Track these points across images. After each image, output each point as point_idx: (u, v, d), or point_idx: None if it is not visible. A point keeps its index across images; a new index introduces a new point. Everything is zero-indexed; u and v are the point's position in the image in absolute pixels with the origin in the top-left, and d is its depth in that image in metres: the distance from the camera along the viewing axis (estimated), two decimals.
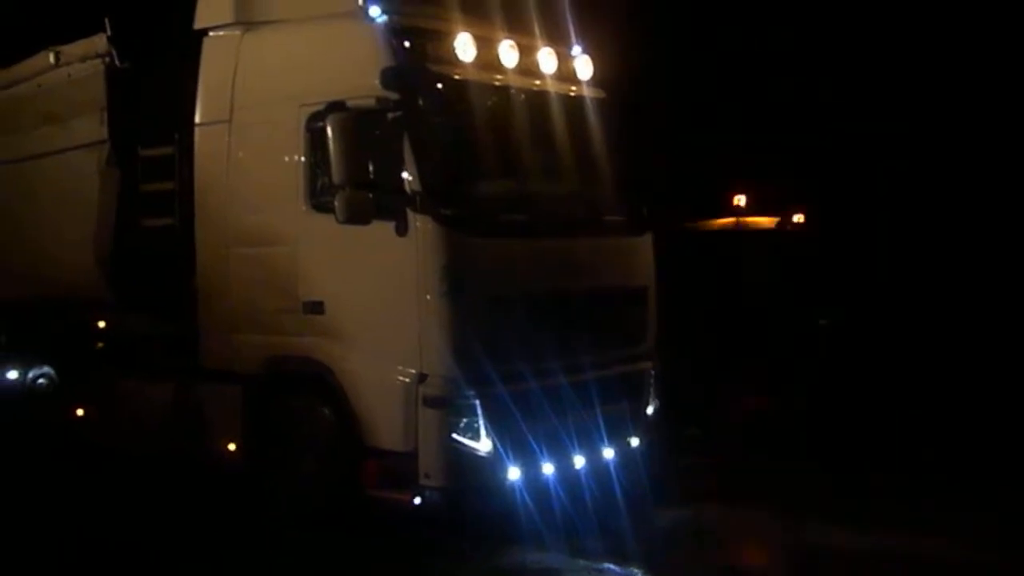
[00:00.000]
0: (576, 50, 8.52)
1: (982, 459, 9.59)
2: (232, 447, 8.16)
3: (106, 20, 9.08)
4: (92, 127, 9.19)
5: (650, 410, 8.54)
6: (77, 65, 9.45)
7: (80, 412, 9.83)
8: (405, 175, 7.17)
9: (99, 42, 9.18)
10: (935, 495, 8.64)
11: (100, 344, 9.93)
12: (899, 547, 7.53)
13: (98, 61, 9.18)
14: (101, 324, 9.85)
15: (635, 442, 8.28)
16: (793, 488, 8.91)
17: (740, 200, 21.94)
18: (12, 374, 10.64)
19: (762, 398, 12.32)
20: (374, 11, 7.39)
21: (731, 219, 21.91)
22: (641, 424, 8.38)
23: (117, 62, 9.07)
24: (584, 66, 8.51)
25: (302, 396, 7.81)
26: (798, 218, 21.72)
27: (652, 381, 8.55)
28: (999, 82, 17.00)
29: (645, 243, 8.66)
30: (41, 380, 10.57)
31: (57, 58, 9.62)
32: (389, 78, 7.22)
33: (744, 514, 8.47)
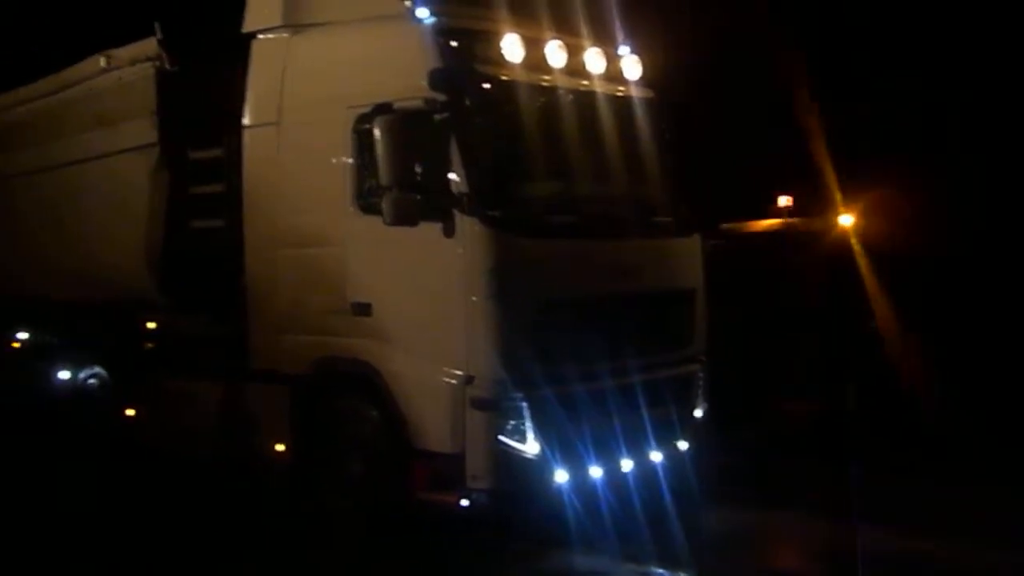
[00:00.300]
0: (624, 50, 8.46)
1: None
2: (280, 448, 8.18)
3: (156, 24, 9.15)
4: (142, 130, 9.26)
5: (699, 413, 8.46)
6: (127, 69, 9.52)
7: (130, 413, 9.92)
8: (452, 176, 7.15)
9: (149, 46, 9.24)
10: (980, 501, 8.51)
11: (149, 345, 10.03)
12: (946, 553, 7.45)
13: (148, 64, 9.24)
14: (150, 325, 9.94)
15: (683, 445, 8.20)
16: (844, 494, 8.78)
17: (786, 201, 21.71)
18: (64, 374, 10.78)
19: (812, 402, 12.18)
20: (421, 12, 7.38)
21: (778, 220, 21.70)
22: (689, 427, 8.30)
23: (167, 65, 9.13)
24: (632, 66, 8.46)
25: (349, 397, 7.82)
26: (847, 219, 21.46)
27: (701, 384, 8.47)
28: None
29: (693, 244, 8.59)
30: (92, 380, 10.70)
31: (108, 62, 9.71)
32: (437, 79, 7.21)
33: (794, 519, 8.38)
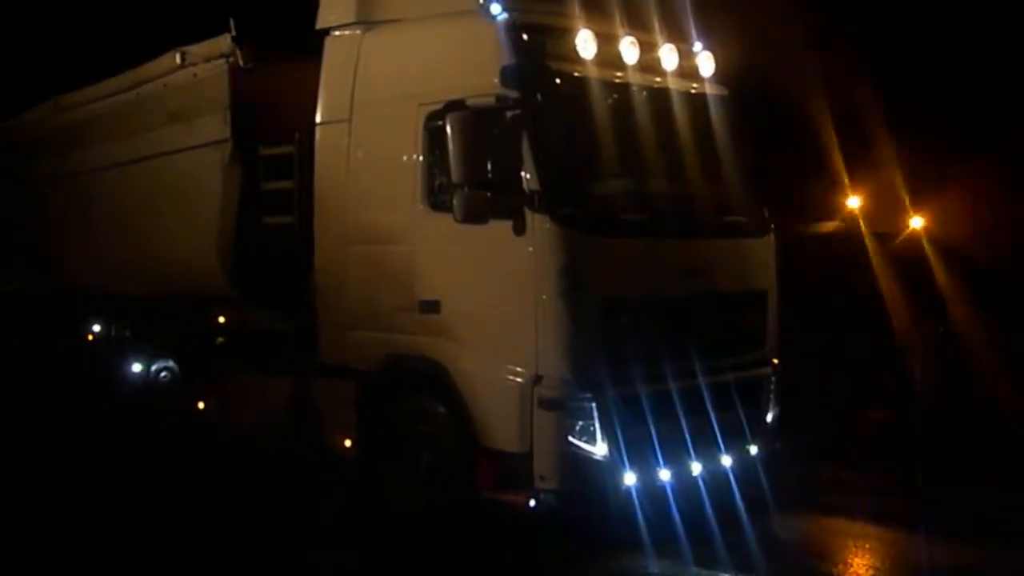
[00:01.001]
0: (697, 46, 8.34)
1: None
2: (348, 443, 8.21)
3: (231, 21, 9.23)
4: (216, 126, 9.34)
5: (770, 417, 8.31)
6: (202, 65, 9.61)
7: (200, 405, 10.04)
8: (523, 174, 7.10)
9: (223, 42, 9.32)
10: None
11: (220, 339, 10.14)
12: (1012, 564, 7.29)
13: (222, 61, 9.32)
14: (221, 319, 10.05)
15: (754, 450, 8.07)
16: (916, 502, 8.57)
17: (853, 202, 21.34)
18: (136, 366, 10.95)
19: (882, 408, 11.94)
20: (495, 8, 7.35)
21: (845, 222, 21.36)
22: (760, 431, 8.16)
23: (241, 62, 9.20)
24: (706, 62, 8.34)
25: (418, 394, 7.82)
26: (916, 222, 21.04)
27: (772, 387, 8.32)
28: None
29: (766, 245, 8.44)
30: (163, 373, 10.86)
31: (183, 58, 9.81)
32: (509, 76, 7.17)
33: (865, 528, 8.20)
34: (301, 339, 8.79)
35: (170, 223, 10.09)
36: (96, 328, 11.65)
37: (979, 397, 11.97)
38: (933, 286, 16.00)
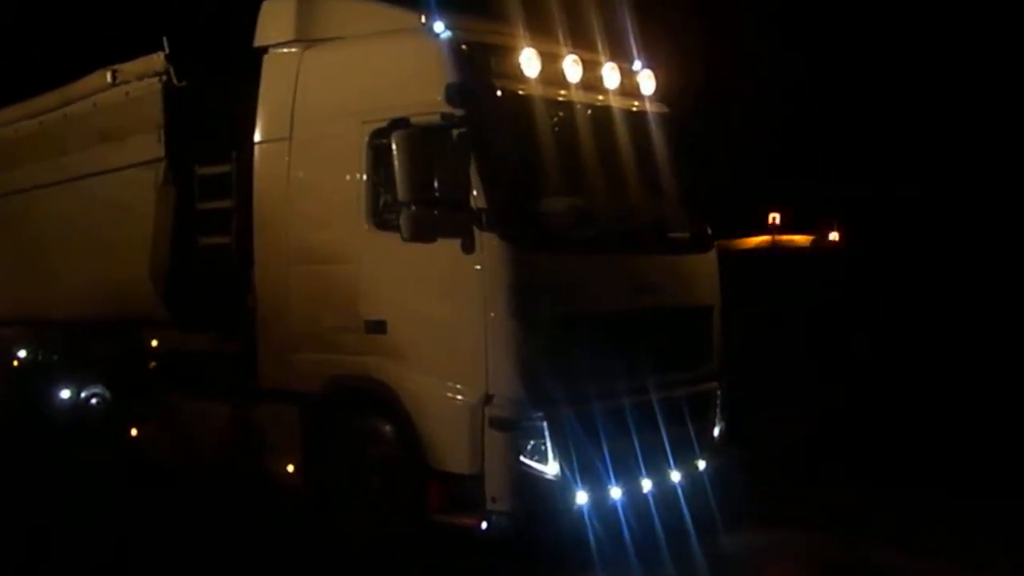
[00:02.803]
0: (638, 65, 8.40)
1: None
2: (291, 468, 8.05)
3: (164, 38, 9.05)
4: (149, 145, 9.15)
5: (717, 431, 8.36)
6: (135, 83, 9.42)
7: (134, 432, 9.76)
8: (470, 191, 7.05)
9: (157, 60, 9.14)
10: (977, 517, 8.49)
11: (153, 363, 9.87)
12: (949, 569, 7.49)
13: (156, 79, 9.15)
14: (154, 343, 9.79)
15: (702, 464, 8.10)
16: (853, 510, 8.73)
17: (775, 218, 21.83)
18: (65, 393, 10.60)
19: (805, 416, 12.13)
20: (438, 27, 7.31)
21: (766, 237, 21.82)
22: (708, 446, 8.20)
23: (175, 80, 9.03)
24: (647, 81, 8.41)
25: (364, 417, 7.68)
26: (833, 236, 21.58)
27: (719, 402, 8.37)
28: None
29: (710, 260, 8.51)
30: (94, 399, 10.53)
31: (114, 77, 9.60)
32: (453, 94, 7.13)
33: (810, 538, 8.28)
34: (240, 362, 8.60)
35: (103, 244, 9.82)
36: (22, 353, 11.27)
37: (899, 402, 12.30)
38: (857, 296, 16.39)
